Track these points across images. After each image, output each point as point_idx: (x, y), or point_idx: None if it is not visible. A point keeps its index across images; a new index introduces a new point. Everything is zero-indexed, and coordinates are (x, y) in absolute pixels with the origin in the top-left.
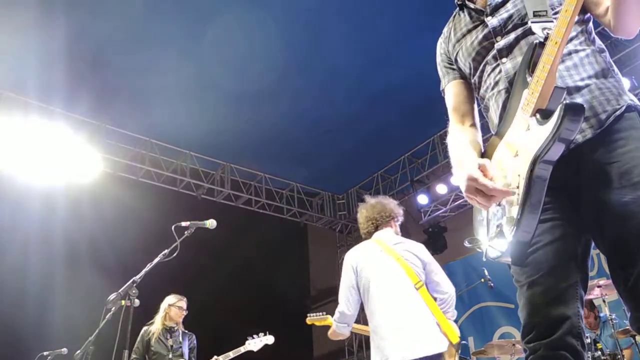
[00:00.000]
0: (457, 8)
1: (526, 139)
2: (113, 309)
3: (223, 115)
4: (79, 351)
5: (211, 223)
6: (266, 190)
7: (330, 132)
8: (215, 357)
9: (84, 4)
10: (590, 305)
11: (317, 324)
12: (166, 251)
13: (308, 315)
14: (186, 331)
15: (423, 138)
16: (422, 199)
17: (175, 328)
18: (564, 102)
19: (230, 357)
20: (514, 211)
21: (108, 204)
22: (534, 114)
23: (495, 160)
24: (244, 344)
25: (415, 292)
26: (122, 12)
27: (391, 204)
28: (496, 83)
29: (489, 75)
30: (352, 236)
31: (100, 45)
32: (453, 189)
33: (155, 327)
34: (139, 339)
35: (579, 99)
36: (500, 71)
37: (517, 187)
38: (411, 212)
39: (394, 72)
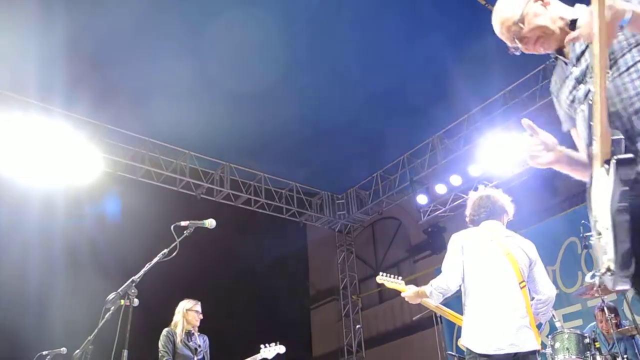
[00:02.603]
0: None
1: (602, 188)
2: (112, 308)
3: (223, 115)
4: (78, 350)
5: (210, 222)
6: (265, 190)
7: (330, 132)
8: None
9: (84, 2)
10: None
11: (387, 285)
12: (165, 251)
13: (380, 274)
14: (200, 334)
15: (423, 138)
16: (422, 199)
17: (192, 331)
18: (615, 158)
19: None
20: (611, 262)
21: (108, 203)
22: (602, 165)
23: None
24: (257, 351)
25: (519, 290)
26: (122, 11)
27: (506, 199)
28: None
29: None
30: (352, 236)
31: (100, 45)
32: (452, 189)
33: (179, 330)
34: (164, 340)
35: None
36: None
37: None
38: (410, 212)
39: (394, 73)
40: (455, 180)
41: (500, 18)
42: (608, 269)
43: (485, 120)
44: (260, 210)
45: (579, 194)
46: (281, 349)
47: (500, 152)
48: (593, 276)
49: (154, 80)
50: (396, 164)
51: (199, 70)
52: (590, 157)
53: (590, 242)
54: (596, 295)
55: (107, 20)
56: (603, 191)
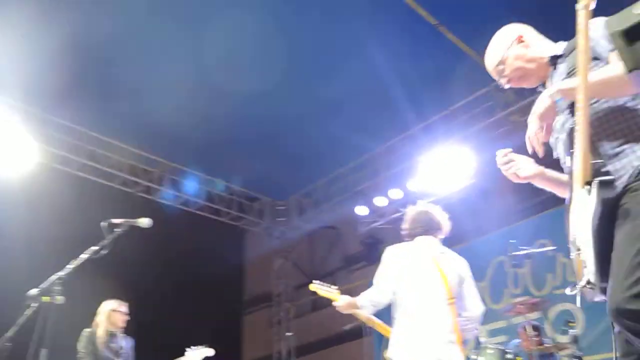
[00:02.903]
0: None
1: (582, 207)
2: (33, 305)
3: (166, 113)
4: None
5: (145, 222)
6: (206, 192)
7: (273, 138)
8: None
9: None
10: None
11: (320, 294)
12: (95, 248)
13: (314, 282)
14: (125, 335)
15: (365, 151)
16: (361, 210)
17: (116, 333)
18: (598, 180)
19: None
20: (591, 275)
21: (41, 196)
22: (583, 186)
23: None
24: (182, 354)
25: (447, 306)
26: None
27: (443, 216)
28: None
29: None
30: (290, 243)
31: None
32: (392, 202)
33: (100, 331)
34: (84, 341)
35: (615, 164)
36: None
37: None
38: (349, 223)
39: (342, 82)
40: (395, 193)
41: (488, 61)
42: (588, 282)
43: (428, 138)
44: (199, 212)
45: (510, 215)
46: (209, 351)
47: (441, 169)
48: (573, 288)
49: (90, 73)
50: (338, 175)
51: (148, 65)
52: (570, 178)
53: (570, 256)
54: (521, 313)
55: None
56: (583, 210)
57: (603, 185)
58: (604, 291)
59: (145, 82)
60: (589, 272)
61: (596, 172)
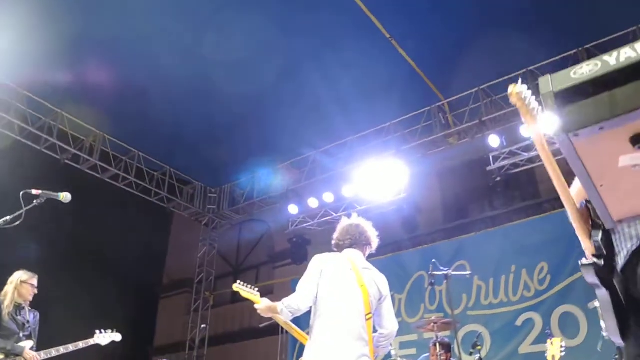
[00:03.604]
0: None
1: None
2: None
3: (105, 81)
4: None
5: (65, 197)
6: (137, 169)
7: (214, 126)
8: None
9: None
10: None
11: (242, 294)
12: (8, 218)
13: (238, 282)
14: (31, 309)
15: (304, 152)
16: (293, 209)
17: (23, 305)
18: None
19: (79, 347)
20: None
21: None
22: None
23: None
24: (92, 336)
25: (364, 321)
26: None
27: (373, 232)
28: None
29: None
30: (218, 232)
31: None
32: (323, 205)
33: (7, 302)
34: None
35: None
36: None
37: None
38: (279, 220)
39: (286, 84)
40: (328, 197)
41: None
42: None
43: (365, 148)
44: (127, 189)
45: (435, 232)
46: (117, 336)
47: (374, 179)
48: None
49: (33, 31)
50: (275, 170)
51: (87, 30)
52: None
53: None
54: (432, 330)
55: None
56: None
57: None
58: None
59: (79, 49)
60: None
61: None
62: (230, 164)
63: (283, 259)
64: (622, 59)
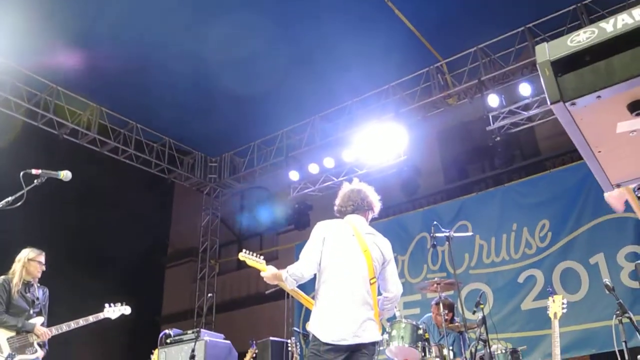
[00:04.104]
0: None
1: None
2: None
3: (102, 54)
4: None
5: (65, 175)
6: (136, 141)
7: (213, 94)
8: None
9: None
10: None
11: (248, 263)
12: (10, 199)
13: (243, 251)
14: (40, 285)
15: (303, 117)
16: (294, 175)
17: (32, 283)
18: None
19: (89, 322)
20: None
21: None
22: None
23: None
24: (102, 310)
25: (369, 285)
26: None
27: (375, 197)
28: None
29: None
30: (219, 201)
31: None
32: (324, 170)
33: (16, 279)
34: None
35: None
36: None
37: None
38: (281, 186)
39: (284, 50)
40: (329, 162)
41: None
42: None
43: (364, 111)
44: (127, 161)
45: (436, 193)
46: (126, 309)
47: (374, 143)
48: None
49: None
50: (274, 137)
51: (84, 11)
52: None
53: None
54: (436, 291)
55: None
56: None
57: None
58: None
59: (84, 24)
60: None
61: None
62: (229, 132)
63: (285, 225)
64: (619, 25)
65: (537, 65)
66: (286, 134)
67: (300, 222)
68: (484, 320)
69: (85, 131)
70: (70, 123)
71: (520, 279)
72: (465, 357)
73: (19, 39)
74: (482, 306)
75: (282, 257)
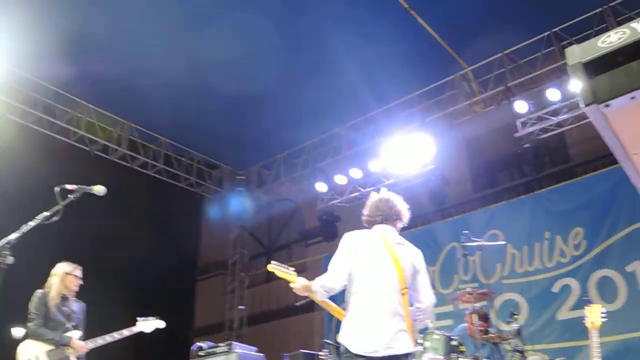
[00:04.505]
0: None
1: None
2: None
3: (129, 70)
4: None
5: (99, 189)
6: (165, 156)
7: (238, 107)
8: None
9: None
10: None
11: (278, 274)
12: (47, 214)
13: (272, 262)
14: (77, 299)
15: (329, 128)
16: (321, 187)
17: (69, 296)
18: None
19: (124, 335)
20: None
21: None
22: None
23: None
24: (134, 323)
25: (400, 296)
26: None
27: (404, 206)
28: None
29: None
30: (248, 214)
31: None
32: (352, 181)
33: (53, 293)
34: (37, 301)
35: None
36: None
37: None
38: (308, 198)
39: (309, 59)
40: (355, 173)
41: None
42: None
43: (389, 121)
44: (157, 176)
45: (465, 203)
46: (160, 323)
47: (401, 152)
48: None
49: (55, 22)
50: (301, 149)
51: (113, 23)
52: None
53: None
54: (468, 301)
55: None
56: None
57: None
58: None
59: (116, 42)
60: None
61: None
62: (256, 145)
63: (314, 236)
64: None
65: (568, 68)
66: (312, 145)
67: (328, 233)
68: (519, 331)
69: (116, 147)
70: (101, 139)
71: (555, 289)
72: None
73: (49, 57)
74: (516, 316)
75: (310, 269)
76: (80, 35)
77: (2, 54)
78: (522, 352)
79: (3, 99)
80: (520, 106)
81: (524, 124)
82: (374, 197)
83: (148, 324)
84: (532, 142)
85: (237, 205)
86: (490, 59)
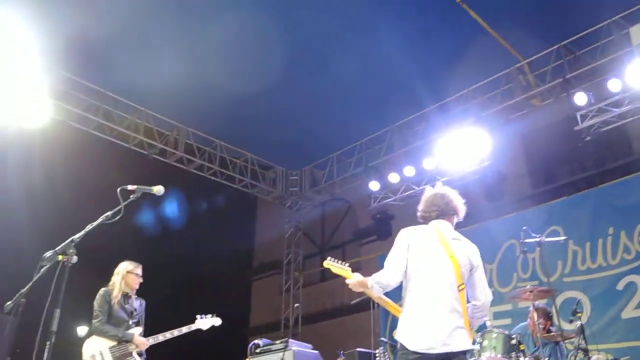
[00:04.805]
0: None
1: None
2: (48, 265)
3: (185, 76)
4: (9, 302)
5: (158, 189)
6: (220, 158)
7: (290, 108)
8: None
9: None
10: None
11: (333, 270)
12: (109, 214)
13: (328, 258)
14: (137, 297)
15: (382, 126)
16: (374, 186)
17: (130, 294)
18: None
19: (183, 332)
20: None
21: (56, 153)
22: None
23: None
24: (193, 320)
25: (457, 292)
26: None
27: (459, 201)
28: None
29: None
30: (301, 213)
31: None
32: (405, 179)
33: (116, 292)
34: (100, 300)
35: None
36: None
37: None
38: (361, 197)
39: (358, 58)
40: (409, 171)
41: None
42: None
43: (444, 117)
44: (212, 178)
45: (524, 199)
46: (217, 321)
47: (456, 149)
48: None
49: (114, 34)
50: (353, 148)
51: (162, 30)
52: None
53: None
54: (528, 299)
55: None
56: None
57: None
58: None
59: (166, 46)
60: None
61: None
62: (308, 145)
63: (368, 235)
64: None
65: (634, 47)
66: (365, 144)
67: (382, 232)
68: (582, 329)
69: (173, 150)
70: (158, 143)
71: (620, 286)
72: None
73: (108, 63)
74: (579, 314)
75: (365, 268)
76: (138, 42)
77: (63, 63)
78: (585, 350)
79: (63, 106)
80: (580, 98)
81: (583, 117)
82: (429, 192)
83: (205, 322)
84: (592, 136)
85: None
86: (547, 50)
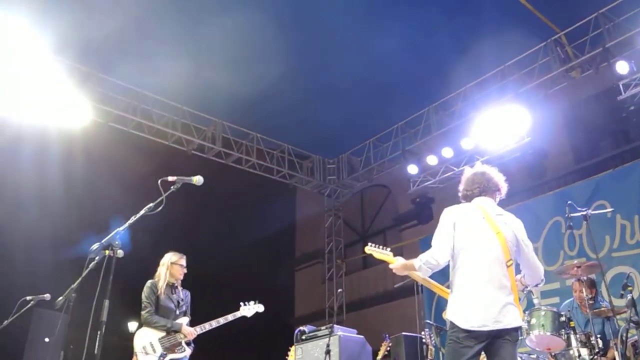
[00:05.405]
0: None
1: None
2: (96, 258)
3: (218, 71)
4: (61, 297)
5: (198, 179)
6: (257, 150)
7: (325, 96)
8: None
9: None
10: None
11: (376, 256)
12: (151, 205)
13: (369, 244)
14: (182, 288)
15: (417, 108)
16: (412, 169)
17: (176, 285)
18: None
19: (229, 320)
20: None
21: (98, 153)
22: None
23: None
24: (237, 308)
25: (505, 268)
26: None
27: (500, 177)
28: None
29: None
30: (340, 201)
31: None
32: (443, 161)
33: (161, 283)
34: (148, 291)
35: None
36: None
37: None
38: (400, 181)
39: (391, 42)
40: (447, 152)
41: None
42: None
43: (481, 95)
44: (251, 170)
45: (567, 175)
46: (260, 307)
47: (494, 127)
48: None
49: (149, 33)
50: (389, 133)
51: (197, 24)
52: None
53: None
54: (576, 275)
55: None
56: None
57: None
58: None
59: (200, 43)
60: None
61: None
62: (343, 132)
63: (408, 220)
64: None
65: None
66: (401, 128)
67: (423, 216)
68: (633, 302)
69: (211, 145)
70: (196, 139)
71: None
72: (615, 344)
73: (142, 63)
74: (630, 288)
75: (406, 253)
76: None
77: (102, 67)
78: (638, 323)
79: (103, 108)
80: (622, 67)
81: (626, 86)
82: (469, 172)
83: (249, 308)
84: (637, 105)
85: None
86: (585, 20)
